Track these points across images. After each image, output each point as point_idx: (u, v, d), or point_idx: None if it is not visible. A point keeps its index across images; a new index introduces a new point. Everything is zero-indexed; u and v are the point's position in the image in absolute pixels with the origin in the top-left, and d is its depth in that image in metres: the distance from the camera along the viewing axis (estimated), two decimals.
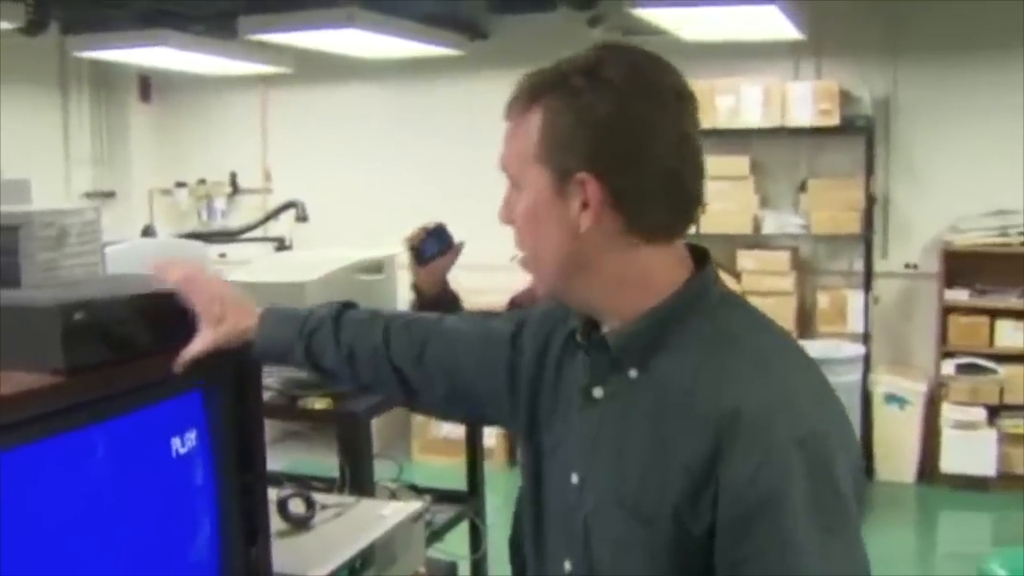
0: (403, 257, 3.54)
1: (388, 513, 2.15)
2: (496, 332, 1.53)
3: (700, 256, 1.33)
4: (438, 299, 2.54)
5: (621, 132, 1.21)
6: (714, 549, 1.18)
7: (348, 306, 1.68)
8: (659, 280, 1.27)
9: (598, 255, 1.25)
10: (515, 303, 2.64)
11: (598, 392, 1.31)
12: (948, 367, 5.99)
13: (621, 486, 1.25)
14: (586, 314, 1.33)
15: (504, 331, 1.51)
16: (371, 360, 1.61)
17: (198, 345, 1.59)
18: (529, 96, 1.26)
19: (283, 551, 1.87)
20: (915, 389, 6.07)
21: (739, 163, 6.30)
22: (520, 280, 2.63)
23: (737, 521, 1.15)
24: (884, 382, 6.11)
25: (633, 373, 1.27)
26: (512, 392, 1.48)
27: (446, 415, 1.71)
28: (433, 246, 2.52)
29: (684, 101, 1.26)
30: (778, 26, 5.23)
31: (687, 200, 1.27)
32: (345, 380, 1.70)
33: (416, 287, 2.57)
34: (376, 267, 2.90)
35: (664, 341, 1.26)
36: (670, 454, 1.21)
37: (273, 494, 2.02)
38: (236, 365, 1.70)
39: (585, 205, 1.23)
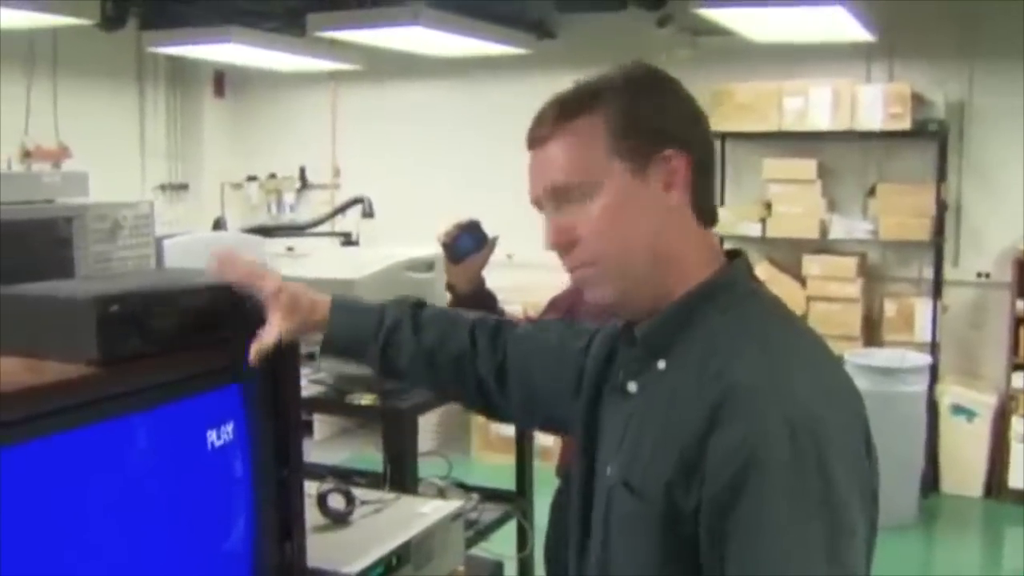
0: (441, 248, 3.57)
1: (428, 511, 2.16)
2: (570, 341, 1.57)
3: (732, 257, 1.37)
4: (474, 297, 2.53)
5: (684, 111, 1.32)
6: (700, 527, 1.19)
7: (419, 305, 1.67)
8: (697, 264, 1.31)
9: (679, 239, 1.31)
10: (555, 305, 2.63)
11: (632, 387, 1.35)
12: (1019, 380, 5.84)
13: (631, 467, 1.29)
14: (633, 316, 1.36)
15: (578, 342, 1.55)
16: (454, 365, 1.63)
17: (270, 336, 1.56)
18: (575, 107, 1.31)
19: (320, 546, 1.89)
20: (984, 401, 5.93)
21: (806, 166, 6.21)
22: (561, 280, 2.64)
23: (717, 496, 1.16)
24: (951, 393, 5.98)
25: (661, 365, 1.31)
26: (576, 397, 1.51)
27: (521, 422, 1.74)
28: (467, 243, 2.50)
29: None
30: (848, 28, 5.14)
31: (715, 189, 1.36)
32: (418, 381, 1.72)
33: (451, 285, 2.56)
34: (427, 265, 2.91)
35: (687, 332, 1.29)
36: (671, 433, 1.23)
37: (313, 488, 2.04)
38: (274, 359, 1.71)
39: (668, 184, 1.29)
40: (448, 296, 2.59)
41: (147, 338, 1.46)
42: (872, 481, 1.23)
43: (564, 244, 1.33)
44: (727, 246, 1.42)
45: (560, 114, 1.31)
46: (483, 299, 2.56)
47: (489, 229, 2.64)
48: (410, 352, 1.63)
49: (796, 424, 1.14)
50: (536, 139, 1.35)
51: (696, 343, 1.27)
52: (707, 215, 1.33)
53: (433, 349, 1.62)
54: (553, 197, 1.33)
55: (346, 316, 1.63)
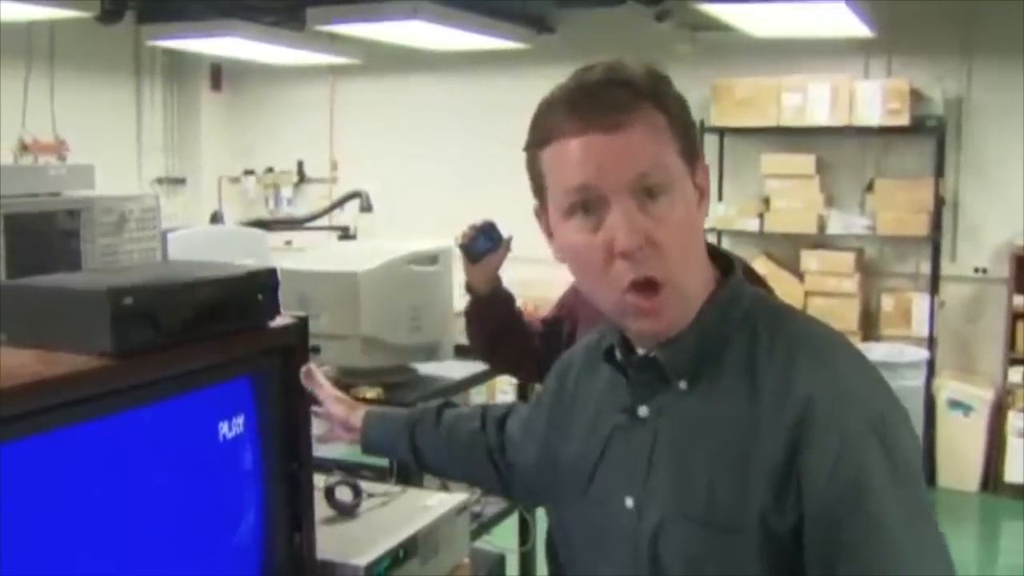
0: (458, 250, 3.57)
1: (433, 504, 2.16)
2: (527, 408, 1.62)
3: (717, 259, 1.33)
4: (492, 297, 2.57)
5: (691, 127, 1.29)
6: (803, 546, 1.16)
7: (448, 404, 1.82)
8: (704, 279, 1.29)
9: (701, 248, 1.29)
10: (563, 305, 2.63)
11: (643, 411, 1.29)
12: (1016, 375, 5.86)
13: (686, 499, 1.22)
14: (663, 334, 1.27)
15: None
16: (468, 445, 1.72)
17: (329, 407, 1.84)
18: (647, 94, 1.21)
19: (328, 538, 1.89)
20: (980, 396, 5.95)
21: (805, 161, 6.23)
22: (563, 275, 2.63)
23: (824, 513, 1.14)
24: (948, 388, 6.00)
25: (683, 385, 1.25)
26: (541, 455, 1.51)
27: (527, 500, 1.76)
28: (483, 243, 2.54)
29: None
30: (847, 23, 5.15)
31: None
32: (445, 469, 1.85)
33: (469, 286, 2.60)
34: (431, 259, 2.92)
35: (712, 350, 1.25)
36: (745, 458, 1.18)
37: (321, 481, 2.04)
38: (285, 353, 1.72)
39: (702, 193, 1.27)
40: (467, 297, 2.63)
41: (160, 330, 1.46)
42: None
43: (644, 247, 1.19)
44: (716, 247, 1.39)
45: (633, 98, 1.20)
46: (501, 299, 2.60)
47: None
48: (431, 438, 1.77)
49: (878, 428, 1.15)
50: (608, 123, 1.19)
51: (724, 359, 1.23)
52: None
53: (451, 433, 1.75)
54: (633, 190, 1.18)
55: (378, 419, 1.85)
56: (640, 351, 1.30)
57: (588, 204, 1.21)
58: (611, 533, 1.31)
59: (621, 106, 1.19)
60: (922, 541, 1.15)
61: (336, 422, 1.86)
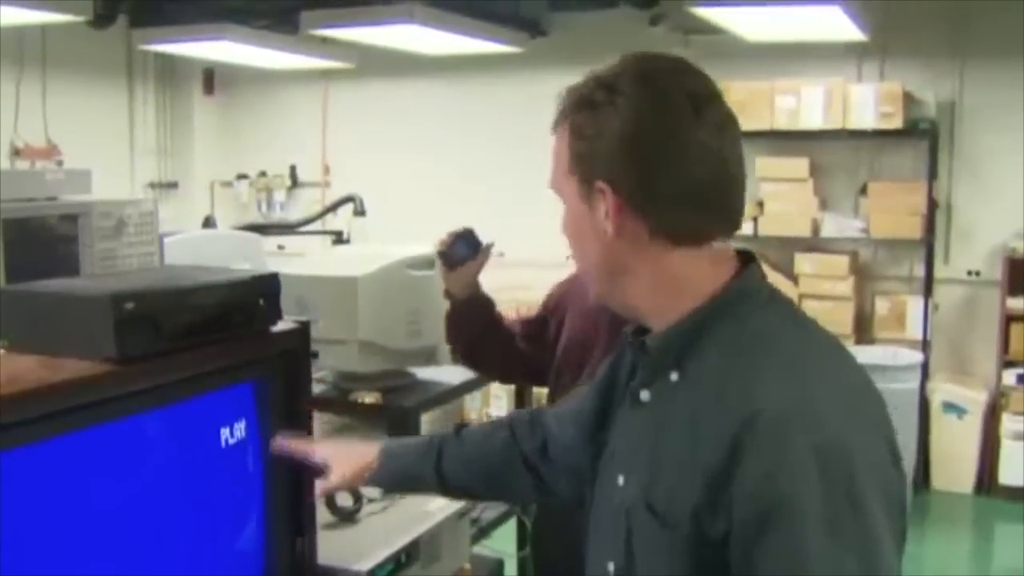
0: (437, 256, 3.56)
1: (434, 509, 2.16)
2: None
3: (748, 260, 1.33)
4: (470, 303, 2.57)
5: (632, 143, 1.25)
6: (730, 555, 1.16)
7: (461, 425, 1.80)
8: (694, 283, 1.28)
9: (630, 260, 1.29)
10: (548, 304, 2.61)
11: (645, 395, 1.32)
12: (1009, 377, 5.87)
13: (651, 489, 1.26)
14: (634, 319, 1.36)
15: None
16: (501, 458, 1.70)
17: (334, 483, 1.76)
18: (562, 112, 1.32)
19: (329, 543, 1.89)
20: (974, 398, 5.97)
21: (799, 165, 6.24)
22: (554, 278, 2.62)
23: (749, 527, 1.14)
24: (943, 391, 6.01)
25: (674, 376, 1.28)
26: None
27: (572, 494, 1.73)
28: (462, 250, 2.52)
29: (704, 107, 1.26)
30: (841, 27, 5.15)
31: (714, 205, 1.28)
32: (475, 488, 1.79)
33: (448, 292, 2.59)
34: (428, 263, 2.91)
35: (700, 344, 1.26)
36: (695, 457, 1.20)
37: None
38: (286, 358, 1.71)
39: (607, 213, 1.27)
40: (446, 304, 2.61)
41: (162, 336, 1.46)
42: (902, 495, 1.20)
43: (563, 233, 1.37)
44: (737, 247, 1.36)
45: (559, 113, 1.32)
46: (480, 304, 2.59)
47: (480, 228, 2.64)
48: (458, 463, 1.72)
49: (826, 454, 1.12)
50: (552, 130, 1.35)
51: (711, 357, 1.25)
52: (682, 236, 1.28)
53: (478, 450, 1.72)
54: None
55: (392, 456, 1.77)
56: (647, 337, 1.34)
57: None
58: (605, 509, 1.37)
59: (557, 116, 1.33)
60: None
61: (350, 479, 1.77)
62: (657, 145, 1.25)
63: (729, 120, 1.29)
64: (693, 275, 1.28)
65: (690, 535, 1.19)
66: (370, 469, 1.75)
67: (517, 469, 1.69)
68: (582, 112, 1.28)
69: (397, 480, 1.79)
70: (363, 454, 1.77)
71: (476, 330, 2.60)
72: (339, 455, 1.76)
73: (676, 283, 1.28)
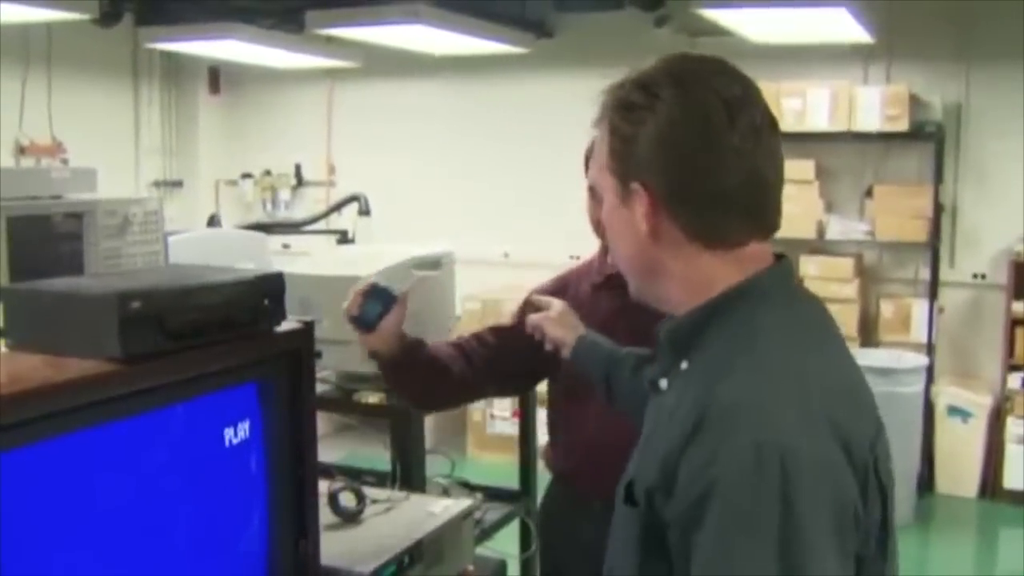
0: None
1: (438, 510, 2.15)
2: None
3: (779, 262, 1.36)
4: (402, 357, 2.28)
5: (666, 147, 1.27)
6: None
7: (649, 360, 1.83)
8: (717, 283, 1.30)
9: (664, 259, 1.31)
10: (528, 304, 2.51)
11: (663, 383, 1.36)
12: (1015, 381, 5.87)
13: (636, 468, 1.30)
14: (668, 312, 1.38)
15: None
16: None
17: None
18: (602, 109, 1.35)
19: (332, 544, 1.88)
20: (979, 402, 5.95)
21: (804, 167, 6.22)
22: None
23: (683, 513, 1.16)
24: (947, 394, 6.00)
25: (684, 365, 1.31)
26: None
27: None
28: (374, 308, 2.24)
29: (738, 112, 1.26)
30: (847, 29, 5.15)
31: (747, 210, 1.29)
32: (632, 412, 1.80)
33: (373, 354, 2.30)
34: (433, 263, 2.90)
35: (706, 336, 1.29)
36: (663, 440, 1.23)
37: (324, 487, 2.03)
38: (290, 358, 1.71)
39: (643, 213, 1.30)
40: (372, 365, 2.37)
41: (167, 335, 1.45)
42: (862, 515, 1.18)
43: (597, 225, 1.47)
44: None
45: (599, 109, 1.35)
46: (412, 354, 2.30)
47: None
48: (622, 386, 1.95)
49: (764, 450, 1.11)
50: (595, 125, 1.38)
51: (709, 349, 1.27)
52: (714, 239, 1.29)
53: (637, 386, 1.75)
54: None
55: (588, 346, 2.07)
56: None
57: None
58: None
59: (599, 112, 1.36)
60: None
61: (555, 341, 2.10)
62: (690, 151, 1.26)
63: (765, 124, 1.29)
64: (722, 276, 1.30)
65: (643, 515, 1.23)
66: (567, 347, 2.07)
67: None
68: (619, 112, 1.31)
69: (579, 367, 2.08)
70: (568, 333, 2.09)
71: (419, 380, 2.33)
72: (556, 332, 2.10)
73: (706, 284, 1.30)
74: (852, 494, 1.17)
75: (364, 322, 2.23)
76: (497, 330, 2.47)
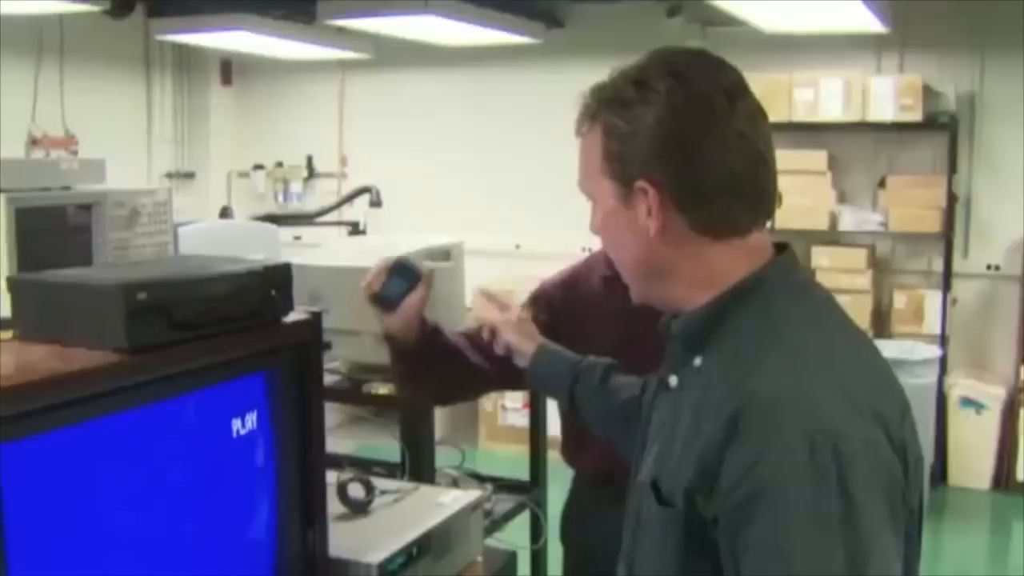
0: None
1: (447, 501, 2.16)
2: None
3: (782, 251, 1.35)
4: (421, 344, 2.10)
5: (672, 138, 1.25)
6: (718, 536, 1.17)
7: (615, 368, 1.84)
8: (731, 275, 1.29)
9: (671, 257, 1.30)
10: (539, 297, 2.41)
11: (673, 380, 1.34)
12: None
13: (660, 467, 1.29)
14: (674, 310, 1.36)
15: None
16: (623, 413, 1.71)
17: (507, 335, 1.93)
18: (589, 113, 1.32)
19: (341, 535, 1.88)
20: (993, 394, 5.92)
21: (817, 157, 6.19)
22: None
23: (733, 511, 1.14)
24: (961, 386, 5.97)
25: (697, 361, 1.29)
26: None
27: None
28: (399, 286, 2.07)
29: (737, 99, 1.27)
30: (860, 19, 5.12)
31: (752, 195, 1.29)
32: (598, 424, 1.85)
33: (390, 337, 2.10)
34: (444, 254, 2.90)
35: (719, 330, 1.27)
36: (696, 437, 1.21)
37: (333, 478, 2.03)
38: (298, 349, 1.71)
39: (650, 211, 1.27)
40: (384, 352, 2.17)
41: (174, 326, 1.45)
42: (907, 494, 1.18)
43: (595, 232, 1.39)
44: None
45: (583, 114, 1.33)
46: (434, 340, 2.13)
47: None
48: (591, 398, 1.82)
49: (816, 440, 1.11)
50: (576, 131, 1.36)
51: (727, 343, 1.26)
52: (723, 229, 1.28)
53: (611, 397, 1.77)
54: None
55: (547, 356, 1.91)
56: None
57: None
58: (634, 488, 1.39)
59: (583, 116, 1.33)
60: (827, 569, 1.09)
61: (511, 347, 1.93)
62: (696, 138, 1.25)
63: (759, 111, 1.30)
64: (731, 267, 1.29)
65: (683, 514, 1.21)
66: (523, 358, 1.91)
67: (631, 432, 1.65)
68: (614, 110, 1.28)
69: (537, 383, 1.99)
70: (524, 342, 1.92)
71: (435, 369, 2.14)
72: (511, 337, 1.93)
73: (714, 276, 1.29)
74: (898, 474, 1.17)
75: (387, 299, 2.06)
76: None
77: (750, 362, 1.20)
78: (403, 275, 2.07)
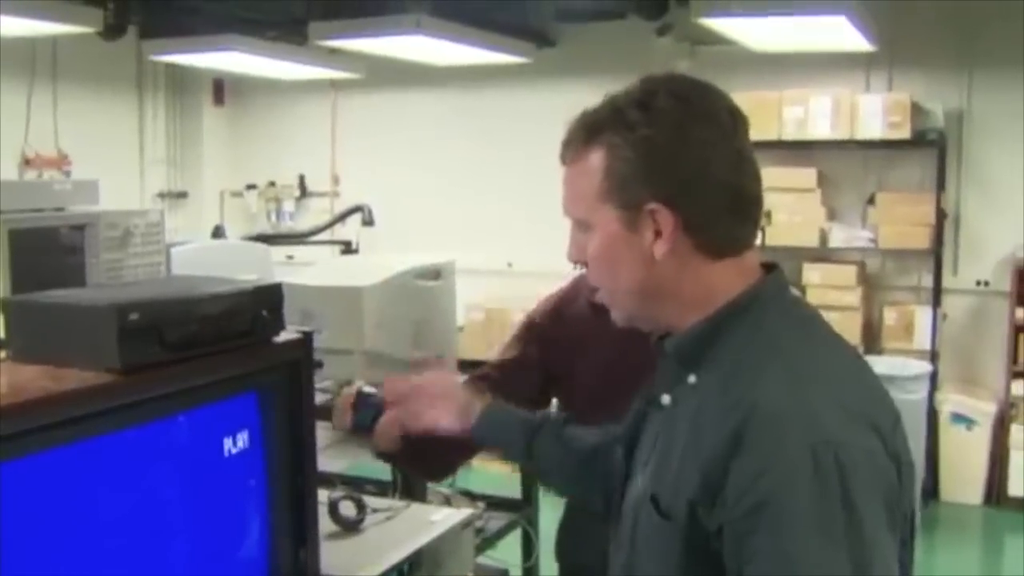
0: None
1: (438, 519, 2.16)
2: None
3: (771, 271, 1.36)
4: (408, 447, 2.09)
5: (682, 158, 1.26)
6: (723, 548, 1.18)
7: (570, 420, 1.79)
8: (721, 293, 1.30)
9: (672, 278, 1.30)
10: (530, 325, 2.41)
11: (665, 399, 1.35)
12: (1019, 388, 5.86)
13: (658, 483, 1.29)
14: (662, 330, 1.37)
15: None
16: (583, 462, 1.71)
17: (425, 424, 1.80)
18: (585, 136, 1.30)
19: (332, 553, 1.89)
20: (983, 409, 5.95)
21: (806, 175, 6.23)
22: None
23: (738, 522, 1.16)
24: (951, 401, 5.99)
25: (692, 379, 1.31)
26: None
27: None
28: (367, 414, 2.13)
29: (736, 119, 1.31)
30: (848, 37, 5.16)
31: (752, 213, 1.32)
32: (557, 481, 1.81)
33: (380, 454, 2.16)
34: (434, 273, 2.91)
35: (715, 347, 1.29)
36: (696, 451, 1.23)
37: (324, 496, 2.04)
38: (289, 368, 1.72)
39: (658, 234, 1.27)
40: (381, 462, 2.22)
41: (166, 346, 1.46)
42: (902, 500, 1.21)
43: (576, 261, 1.38)
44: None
45: (575, 140, 1.32)
46: (418, 440, 2.10)
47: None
48: (551, 453, 1.73)
49: (818, 450, 1.13)
50: (562, 158, 1.36)
51: (723, 360, 1.27)
52: (725, 248, 1.30)
53: (568, 448, 1.72)
54: (569, 216, 1.37)
55: (493, 422, 1.76)
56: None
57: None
58: (625, 510, 1.39)
59: (568, 144, 1.33)
60: (831, 571, 1.11)
61: (453, 405, 1.81)
62: (704, 159, 1.27)
63: (748, 131, 1.34)
64: (726, 286, 1.30)
65: (686, 527, 1.22)
66: (465, 420, 1.77)
67: (595, 481, 1.67)
68: (616, 132, 1.27)
69: (488, 442, 1.80)
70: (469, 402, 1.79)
71: (431, 457, 2.14)
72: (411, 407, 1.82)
73: (709, 295, 1.30)
74: (894, 481, 1.20)
75: (363, 429, 2.12)
76: (502, 365, 2.38)
77: (749, 377, 1.22)
78: (366, 403, 2.13)
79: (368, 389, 2.13)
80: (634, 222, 1.27)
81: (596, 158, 1.29)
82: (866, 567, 1.12)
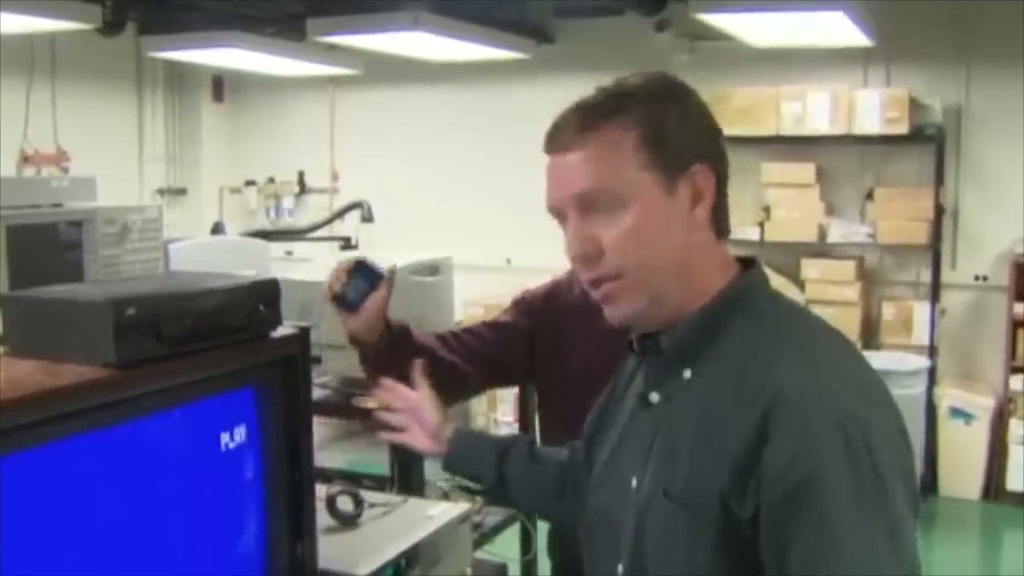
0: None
1: (436, 513, 2.17)
2: None
3: (747, 265, 1.38)
4: (385, 343, 2.09)
5: (707, 125, 1.33)
6: (759, 533, 1.19)
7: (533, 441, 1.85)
8: (709, 280, 1.32)
9: (698, 250, 1.32)
10: (520, 303, 2.43)
11: (655, 397, 1.35)
12: (1017, 382, 5.86)
13: (669, 479, 1.28)
14: (644, 326, 1.36)
15: None
16: (551, 480, 1.74)
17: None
18: (602, 113, 1.29)
19: (330, 548, 1.89)
20: (982, 404, 5.95)
21: (805, 170, 6.24)
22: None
23: (778, 504, 1.17)
24: (950, 396, 6.00)
25: (687, 374, 1.31)
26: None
27: None
28: (360, 286, 2.05)
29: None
30: (846, 32, 5.16)
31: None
32: (526, 502, 1.90)
33: (353, 339, 2.11)
34: (432, 269, 2.92)
35: (715, 340, 1.30)
36: (720, 441, 1.23)
37: (322, 491, 2.04)
38: (287, 363, 1.73)
39: (695, 200, 1.29)
40: (353, 351, 2.17)
41: (162, 341, 1.47)
42: (914, 471, 1.25)
43: (589, 254, 1.30)
44: (737, 254, 1.41)
45: (586, 119, 1.29)
46: (399, 342, 2.11)
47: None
48: (520, 474, 1.77)
49: (847, 429, 1.16)
50: (558, 144, 1.31)
51: (724, 351, 1.28)
52: (723, 227, 1.34)
53: (535, 467, 1.77)
54: (578, 205, 1.29)
55: (465, 448, 1.83)
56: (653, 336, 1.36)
57: (559, 216, 1.34)
58: (617, 512, 1.37)
59: (568, 127, 1.30)
60: (874, 547, 1.14)
61: (425, 427, 1.84)
62: (719, 133, 1.35)
63: None
64: (711, 271, 1.33)
65: (717, 518, 1.21)
66: (440, 443, 1.82)
67: (561, 498, 1.72)
68: (648, 103, 1.29)
69: (457, 468, 1.85)
70: (441, 424, 1.83)
71: (404, 369, 1.99)
72: (431, 416, 1.84)
73: (707, 281, 1.32)
74: (911, 459, 1.24)
75: (347, 301, 2.05)
76: (494, 325, 2.40)
77: (763, 364, 1.23)
78: (364, 276, 2.06)
79: (370, 261, 2.07)
80: (674, 188, 1.28)
81: (622, 130, 1.27)
82: (897, 532, 1.15)
